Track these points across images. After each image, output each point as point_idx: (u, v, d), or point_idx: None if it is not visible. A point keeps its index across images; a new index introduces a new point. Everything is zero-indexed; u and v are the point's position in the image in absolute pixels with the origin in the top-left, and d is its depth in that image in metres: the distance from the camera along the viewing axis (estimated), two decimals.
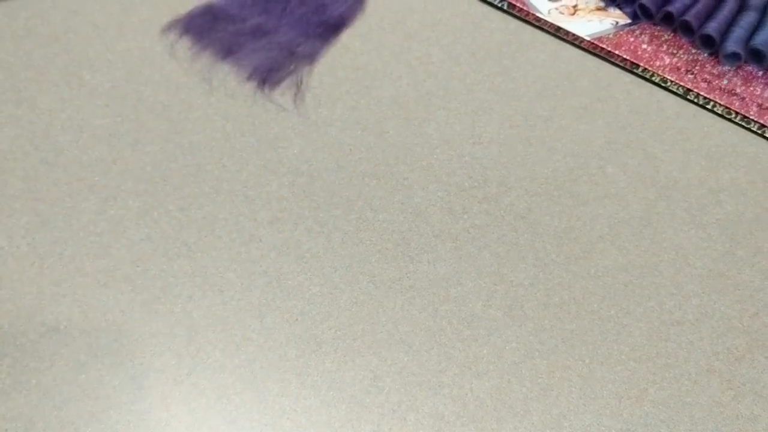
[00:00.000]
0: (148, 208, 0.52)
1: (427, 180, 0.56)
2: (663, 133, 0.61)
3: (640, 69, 0.66)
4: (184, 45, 0.65)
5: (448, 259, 0.52)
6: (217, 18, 0.66)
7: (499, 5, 0.71)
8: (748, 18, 0.69)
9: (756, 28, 0.68)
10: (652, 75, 0.66)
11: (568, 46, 0.68)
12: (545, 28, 0.69)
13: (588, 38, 0.68)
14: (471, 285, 0.50)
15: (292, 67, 0.63)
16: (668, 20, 0.69)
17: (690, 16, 0.68)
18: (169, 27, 0.66)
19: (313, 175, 0.56)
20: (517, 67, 0.66)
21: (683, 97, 0.64)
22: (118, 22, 0.66)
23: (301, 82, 0.62)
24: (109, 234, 0.51)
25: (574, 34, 0.68)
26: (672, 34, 0.70)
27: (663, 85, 0.65)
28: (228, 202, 0.53)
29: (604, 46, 0.68)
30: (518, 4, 0.71)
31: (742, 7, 0.71)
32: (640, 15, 0.71)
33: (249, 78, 0.62)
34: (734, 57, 0.66)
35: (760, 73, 0.67)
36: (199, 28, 0.66)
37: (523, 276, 0.51)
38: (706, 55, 0.68)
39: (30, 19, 0.65)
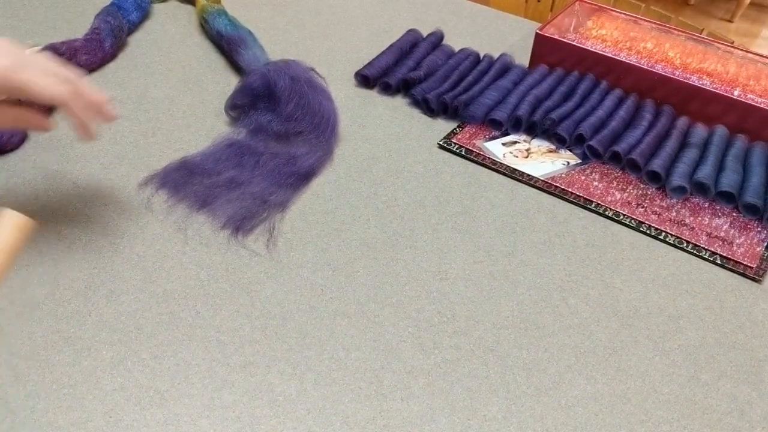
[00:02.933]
0: (122, 357, 0.53)
1: (398, 317, 0.58)
2: (620, 264, 0.64)
3: (593, 205, 0.70)
4: (160, 198, 0.68)
5: (421, 395, 0.52)
6: (193, 172, 0.70)
7: (458, 151, 0.76)
8: (690, 154, 0.74)
9: (698, 163, 0.74)
10: (605, 210, 0.70)
11: (524, 186, 0.73)
12: (502, 170, 0.74)
13: (542, 178, 0.73)
14: (445, 421, 0.50)
15: (264, 214, 0.66)
16: (616, 159, 0.75)
17: (636, 155, 0.73)
18: (146, 182, 0.69)
19: (286, 316, 0.57)
20: (478, 207, 0.69)
21: (636, 229, 0.68)
22: (96, 179, 0.69)
23: (274, 228, 0.65)
24: (82, 385, 0.51)
25: (529, 175, 0.73)
26: (621, 172, 0.74)
27: (616, 218, 0.69)
28: (201, 348, 0.54)
29: (557, 184, 0.72)
30: (475, 150, 0.76)
31: (683, 145, 0.76)
32: (589, 155, 0.76)
33: (224, 226, 0.65)
34: (680, 190, 0.71)
35: (706, 203, 0.71)
36: (174, 181, 0.69)
37: (496, 409, 0.51)
38: (654, 189, 0.72)
39: (10, 179, 0.68)
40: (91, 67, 0.85)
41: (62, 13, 0.97)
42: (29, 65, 0.52)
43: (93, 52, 0.85)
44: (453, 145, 0.77)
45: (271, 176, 0.70)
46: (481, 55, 0.90)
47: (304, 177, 0.71)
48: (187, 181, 0.69)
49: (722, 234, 0.67)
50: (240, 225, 0.65)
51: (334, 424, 0.50)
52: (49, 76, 0.52)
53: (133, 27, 0.94)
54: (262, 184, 0.69)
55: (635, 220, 0.68)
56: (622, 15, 0.95)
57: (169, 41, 0.93)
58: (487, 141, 0.77)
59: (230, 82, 0.85)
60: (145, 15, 0.97)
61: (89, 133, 0.57)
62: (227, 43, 0.89)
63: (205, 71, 0.88)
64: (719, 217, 0.69)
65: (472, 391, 0.53)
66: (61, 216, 0.65)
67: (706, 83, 0.81)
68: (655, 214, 0.69)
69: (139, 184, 0.69)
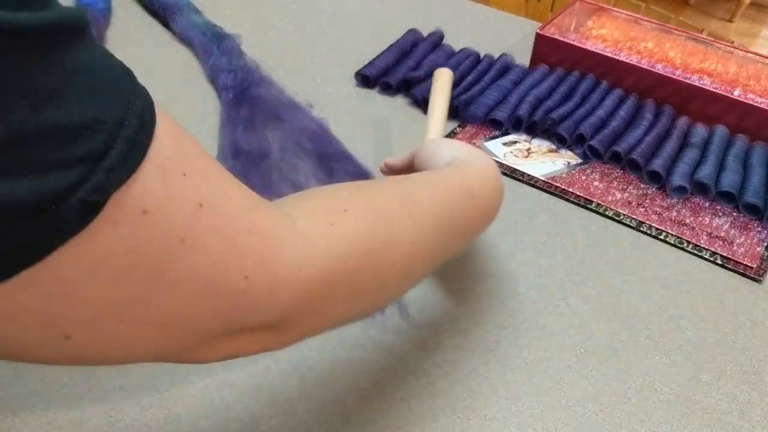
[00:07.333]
0: None
1: (398, 316, 0.58)
2: (620, 264, 0.64)
3: (594, 204, 0.70)
4: None
5: (422, 395, 0.52)
6: None
7: None
8: (691, 154, 0.74)
9: (698, 163, 0.73)
10: (606, 210, 0.70)
11: (524, 185, 0.72)
12: (502, 170, 0.74)
13: (542, 178, 0.73)
14: (445, 421, 0.50)
15: None
16: (616, 159, 0.74)
17: (636, 155, 0.73)
18: None
19: None
20: None
21: (636, 229, 0.68)
22: None
23: None
24: (82, 385, 0.51)
25: (529, 175, 0.73)
26: (621, 172, 0.74)
27: (616, 218, 0.69)
28: None
29: (558, 184, 0.72)
30: None
31: (683, 145, 0.76)
32: (589, 155, 0.76)
33: None
34: (681, 190, 0.71)
35: (707, 203, 0.71)
36: None
37: (496, 409, 0.51)
38: (654, 189, 0.72)
39: None
40: None
41: None
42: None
43: None
44: None
45: None
46: (482, 55, 0.90)
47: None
48: None
49: (723, 234, 0.67)
50: None
51: (335, 424, 0.50)
52: None
53: (107, 15, 0.93)
54: None
55: (636, 219, 0.68)
56: (623, 15, 0.95)
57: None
58: (487, 141, 0.77)
59: None
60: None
61: None
62: (162, 9, 0.90)
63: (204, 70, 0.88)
64: (720, 217, 0.69)
65: (472, 391, 0.53)
66: None
67: (706, 83, 0.81)
68: (656, 213, 0.69)
69: None
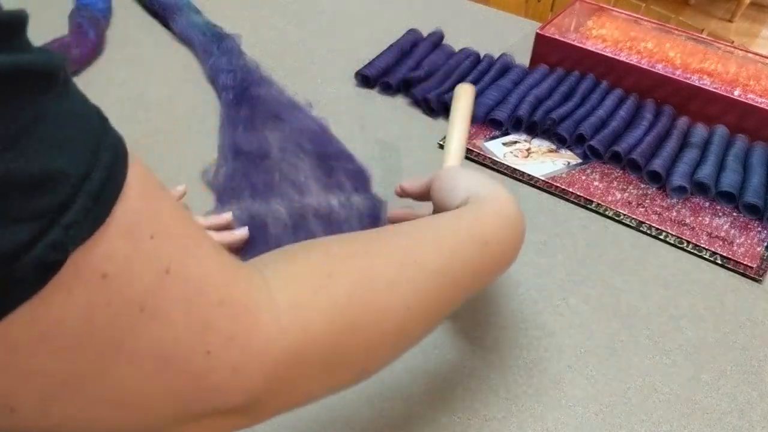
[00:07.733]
0: None
1: None
2: (620, 264, 0.64)
3: (594, 204, 0.70)
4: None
5: (422, 395, 0.52)
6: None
7: None
8: (691, 154, 0.74)
9: (698, 163, 0.73)
10: (606, 210, 0.70)
11: (524, 185, 0.72)
12: (502, 170, 0.74)
13: (543, 178, 0.73)
14: (445, 421, 0.50)
15: None
16: (616, 159, 0.74)
17: (636, 155, 0.73)
18: None
19: None
20: None
21: (636, 228, 0.68)
22: None
23: None
24: None
25: (529, 175, 0.73)
26: (621, 172, 0.74)
27: (616, 218, 0.69)
28: None
29: (558, 184, 0.72)
30: (476, 150, 0.76)
31: (683, 145, 0.76)
32: (589, 155, 0.76)
33: None
34: (681, 190, 0.71)
35: (707, 203, 0.71)
36: None
37: (496, 410, 0.51)
38: (654, 189, 0.72)
39: None
40: (83, 60, 0.85)
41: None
42: None
43: (82, 45, 0.85)
44: None
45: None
46: (482, 55, 0.90)
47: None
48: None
49: (723, 234, 0.67)
50: None
51: (335, 424, 0.50)
52: None
53: (107, 15, 0.94)
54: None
55: (636, 219, 0.68)
56: (623, 15, 0.95)
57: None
58: (487, 141, 0.77)
59: None
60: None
61: None
62: (162, 9, 0.91)
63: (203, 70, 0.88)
64: (720, 217, 0.69)
65: (472, 391, 0.53)
66: None
67: (706, 83, 0.81)
68: (656, 213, 0.69)
69: None
